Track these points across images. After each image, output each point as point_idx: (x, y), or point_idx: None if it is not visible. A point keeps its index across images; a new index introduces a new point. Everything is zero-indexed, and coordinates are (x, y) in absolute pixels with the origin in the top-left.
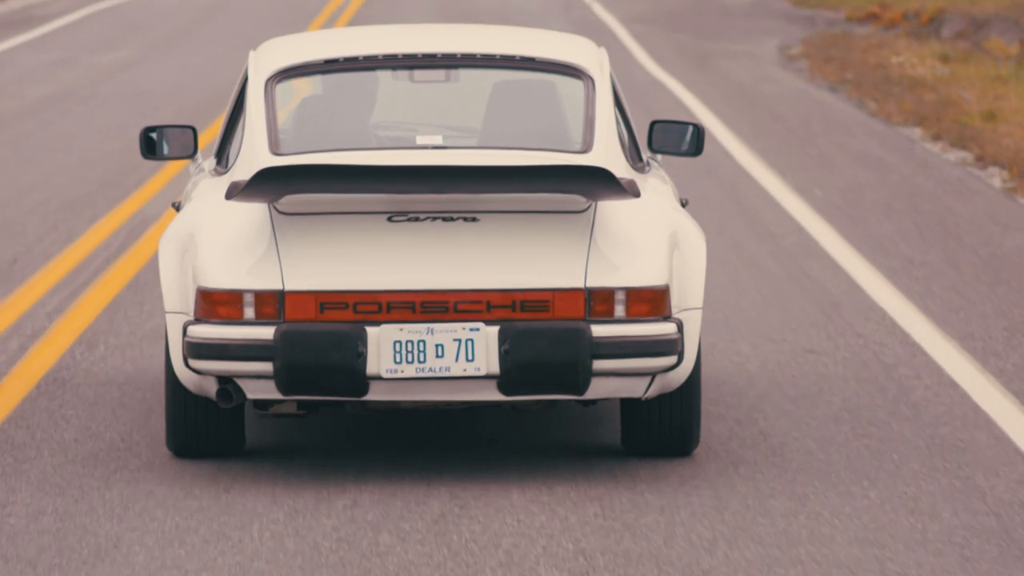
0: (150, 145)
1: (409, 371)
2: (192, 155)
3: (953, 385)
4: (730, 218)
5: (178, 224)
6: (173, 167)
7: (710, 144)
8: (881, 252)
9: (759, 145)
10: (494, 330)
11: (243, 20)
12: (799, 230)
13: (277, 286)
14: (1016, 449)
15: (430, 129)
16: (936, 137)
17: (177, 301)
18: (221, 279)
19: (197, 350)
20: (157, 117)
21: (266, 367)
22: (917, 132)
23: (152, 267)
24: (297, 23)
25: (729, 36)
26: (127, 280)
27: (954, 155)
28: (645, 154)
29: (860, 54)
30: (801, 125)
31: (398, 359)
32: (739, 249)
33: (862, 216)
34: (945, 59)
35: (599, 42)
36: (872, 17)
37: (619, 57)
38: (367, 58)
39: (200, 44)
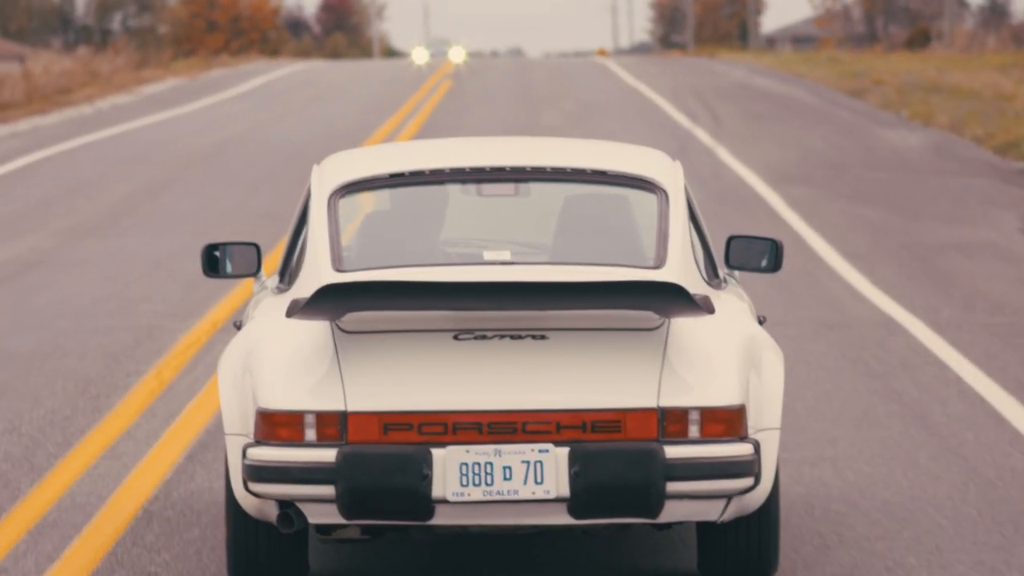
0: (212, 262)
1: (476, 494)
2: (255, 273)
3: None
4: None
5: (238, 343)
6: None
7: None
8: None
9: None
10: (564, 451)
11: (232, 176)
12: None
13: (339, 407)
14: None
15: (498, 244)
16: None
17: (237, 423)
18: (281, 399)
19: (257, 473)
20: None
21: (328, 490)
22: None
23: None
24: (302, 178)
25: (936, 208)
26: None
27: None
28: (722, 271)
29: None
30: None
31: (464, 482)
32: None
33: None
34: None
35: (747, 215)
36: None
37: (792, 255)
38: (434, 171)
39: (155, 222)
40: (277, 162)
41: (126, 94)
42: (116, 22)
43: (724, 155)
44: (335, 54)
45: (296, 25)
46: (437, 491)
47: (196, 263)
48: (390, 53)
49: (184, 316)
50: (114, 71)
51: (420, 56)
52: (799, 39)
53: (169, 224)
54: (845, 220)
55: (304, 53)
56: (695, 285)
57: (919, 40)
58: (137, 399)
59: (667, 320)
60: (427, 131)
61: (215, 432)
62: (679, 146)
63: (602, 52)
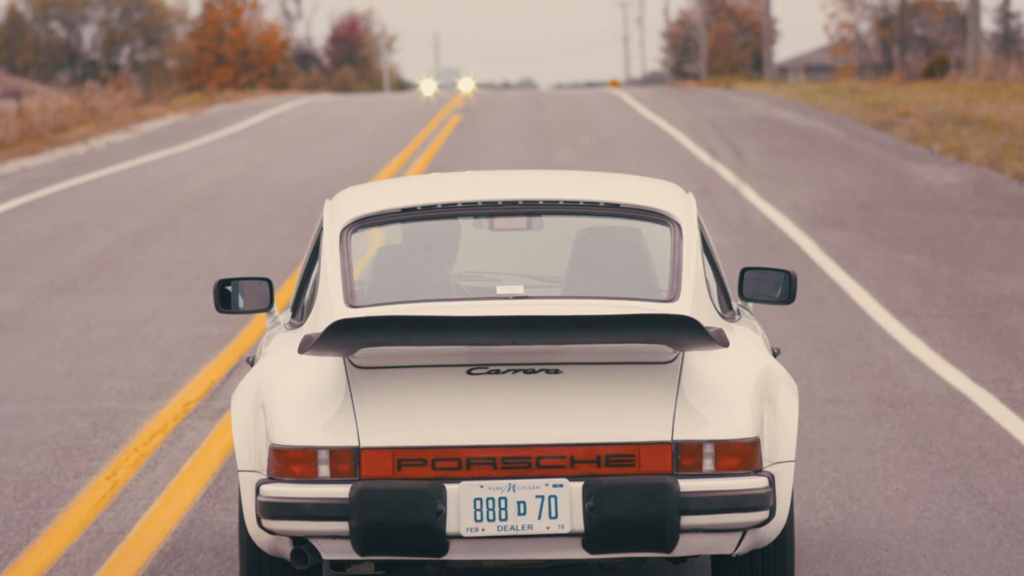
0: (225, 298)
1: (490, 529)
2: (268, 308)
3: None
4: None
5: (251, 380)
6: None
7: None
8: None
9: None
10: (578, 486)
11: (225, 222)
12: None
13: (353, 443)
14: None
15: (511, 279)
16: None
17: (250, 459)
18: (294, 436)
19: (270, 510)
20: None
21: (342, 527)
22: None
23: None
24: (301, 223)
25: (984, 254)
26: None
27: None
28: (735, 302)
29: None
30: None
31: (479, 517)
32: None
33: None
34: None
35: (781, 264)
36: None
37: (837, 312)
38: (446, 206)
39: (136, 277)
40: (274, 205)
41: (123, 132)
42: (124, 56)
43: (750, 195)
44: (344, 87)
45: (305, 58)
46: (451, 526)
47: (173, 327)
48: (400, 85)
49: (152, 395)
50: (114, 108)
51: (428, 87)
52: (812, 68)
53: (150, 280)
54: (888, 270)
55: (313, 86)
56: (709, 318)
57: (938, 69)
58: (84, 508)
59: (681, 353)
60: (435, 170)
61: (171, 555)
62: (702, 186)
63: (614, 83)
